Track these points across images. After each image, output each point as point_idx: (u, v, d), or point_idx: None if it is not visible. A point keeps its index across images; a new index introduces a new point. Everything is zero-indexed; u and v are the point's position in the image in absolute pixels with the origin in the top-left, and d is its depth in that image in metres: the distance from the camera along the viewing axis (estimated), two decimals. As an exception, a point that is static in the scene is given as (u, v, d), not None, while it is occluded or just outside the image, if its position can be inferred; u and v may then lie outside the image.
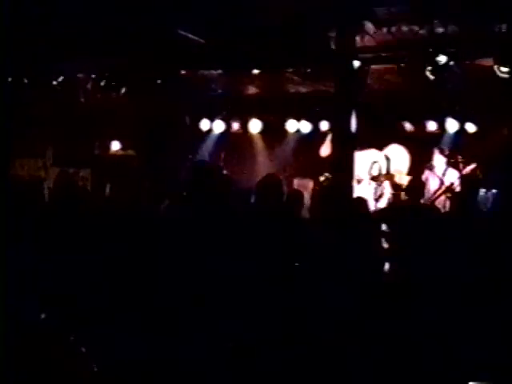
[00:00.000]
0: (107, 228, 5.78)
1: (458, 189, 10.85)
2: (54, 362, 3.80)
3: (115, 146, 13.63)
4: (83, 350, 3.90)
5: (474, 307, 4.21)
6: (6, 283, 4.03)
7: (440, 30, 8.73)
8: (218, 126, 13.37)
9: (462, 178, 10.86)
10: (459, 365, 3.93)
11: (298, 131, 13.08)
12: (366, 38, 9.07)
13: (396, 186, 11.55)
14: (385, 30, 9.00)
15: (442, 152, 11.32)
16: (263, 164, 13.40)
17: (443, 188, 10.90)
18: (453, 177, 11.01)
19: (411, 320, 4.16)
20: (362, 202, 6.91)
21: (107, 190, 12.15)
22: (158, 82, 10.75)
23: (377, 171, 12.10)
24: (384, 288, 4.60)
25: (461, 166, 11.11)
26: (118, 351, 4.23)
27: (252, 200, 6.49)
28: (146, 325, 4.51)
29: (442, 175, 11.11)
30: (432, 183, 11.01)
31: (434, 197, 10.82)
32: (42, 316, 4.33)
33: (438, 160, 11.30)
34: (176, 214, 5.82)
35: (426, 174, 11.25)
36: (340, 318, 4.13)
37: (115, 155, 13.52)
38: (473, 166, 10.97)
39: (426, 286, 4.53)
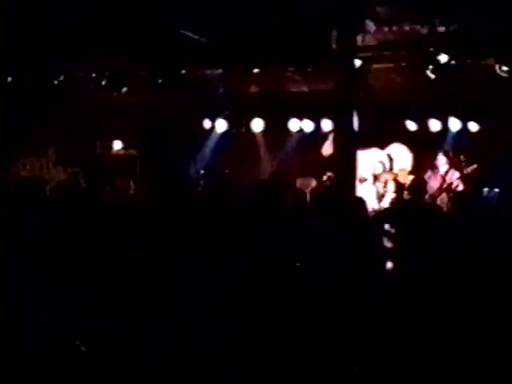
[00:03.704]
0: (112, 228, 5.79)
1: (459, 188, 10.87)
2: (55, 360, 3.81)
3: (117, 145, 13.65)
4: (83, 349, 3.91)
5: (473, 306, 4.21)
6: (6, 283, 4.04)
7: (441, 29, 8.72)
8: (221, 126, 13.37)
9: (464, 177, 10.87)
10: (457, 363, 3.94)
11: (300, 130, 13.07)
12: (368, 36, 9.06)
13: (399, 186, 11.54)
14: (386, 28, 8.99)
15: (446, 154, 11.33)
16: (265, 163, 13.40)
17: (444, 186, 10.91)
18: (454, 176, 11.02)
19: (411, 319, 4.16)
20: (360, 202, 6.86)
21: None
22: (160, 81, 10.73)
23: (380, 170, 12.10)
24: (384, 288, 4.60)
25: (463, 166, 11.11)
26: (118, 349, 4.24)
27: (254, 198, 6.48)
28: (148, 323, 4.52)
29: (445, 174, 11.11)
30: (433, 182, 11.01)
31: (435, 195, 10.83)
32: (43, 316, 4.34)
33: (441, 161, 11.30)
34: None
35: (429, 173, 11.26)
36: (338, 318, 4.13)
37: (117, 155, 13.54)
38: (474, 166, 10.98)
39: (427, 286, 4.53)
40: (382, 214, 8.59)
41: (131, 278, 5.01)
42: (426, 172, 11.32)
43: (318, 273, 4.62)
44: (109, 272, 5.12)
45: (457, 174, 11.01)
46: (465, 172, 10.98)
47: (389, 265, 5.49)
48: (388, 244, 5.91)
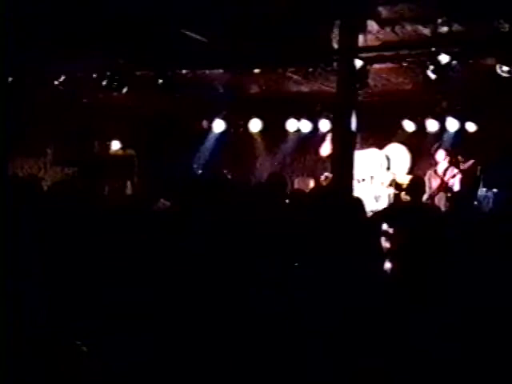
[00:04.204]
0: (107, 227, 5.78)
1: (456, 186, 10.90)
2: (56, 362, 3.81)
3: (115, 145, 13.65)
4: (84, 349, 3.91)
5: (473, 306, 4.22)
6: (6, 283, 4.03)
7: (442, 29, 8.72)
8: (219, 126, 13.38)
9: (461, 173, 10.90)
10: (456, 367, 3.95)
11: (298, 130, 13.09)
12: (368, 37, 9.05)
13: (396, 186, 11.57)
14: (387, 29, 8.99)
15: (447, 152, 11.33)
16: (263, 163, 13.42)
17: (443, 186, 10.93)
18: (452, 173, 11.06)
19: (410, 320, 4.17)
20: (358, 202, 6.84)
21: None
22: (160, 81, 10.74)
23: (378, 171, 12.13)
24: (383, 288, 4.60)
25: (461, 165, 11.14)
26: (119, 351, 4.24)
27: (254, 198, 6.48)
28: (148, 324, 4.52)
29: (443, 174, 11.13)
30: (434, 183, 11.03)
31: (433, 194, 10.85)
32: (43, 317, 4.34)
33: (441, 156, 11.32)
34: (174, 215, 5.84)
35: (428, 173, 11.27)
36: (337, 319, 4.13)
37: (115, 155, 13.55)
38: (471, 161, 11.00)
39: (427, 285, 4.54)
40: (380, 215, 8.60)
41: (130, 278, 5.01)
42: (425, 172, 11.33)
43: (318, 273, 4.62)
44: (108, 271, 5.12)
45: (455, 171, 11.02)
46: (462, 168, 11.00)
47: (387, 265, 5.49)
48: (386, 244, 5.92)
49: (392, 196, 11.54)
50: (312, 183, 11.82)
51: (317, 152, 12.48)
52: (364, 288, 4.38)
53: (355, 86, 9.07)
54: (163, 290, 4.57)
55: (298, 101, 12.38)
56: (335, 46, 9.09)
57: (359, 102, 9.22)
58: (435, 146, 11.53)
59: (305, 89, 11.93)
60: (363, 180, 11.87)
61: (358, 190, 11.08)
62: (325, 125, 12.53)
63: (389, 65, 10.17)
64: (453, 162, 11.14)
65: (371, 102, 10.86)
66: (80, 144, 13.27)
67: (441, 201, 10.76)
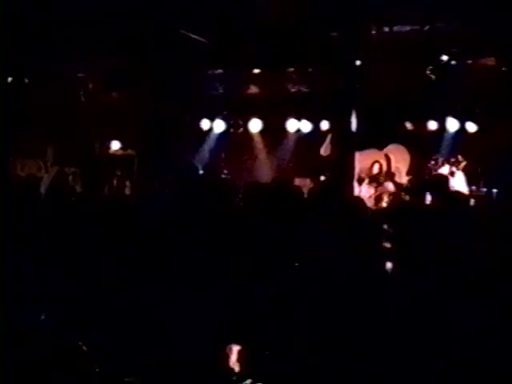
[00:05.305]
0: (104, 226, 5.77)
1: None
2: (55, 362, 3.81)
3: (115, 145, 13.64)
4: (84, 349, 3.90)
5: (473, 306, 4.22)
6: (5, 284, 4.03)
7: (442, 29, 8.74)
8: (219, 126, 13.38)
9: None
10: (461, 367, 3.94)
11: (298, 131, 13.09)
12: (368, 37, 9.07)
13: (396, 185, 11.57)
14: (386, 29, 9.00)
15: (450, 163, 11.33)
16: (263, 164, 13.41)
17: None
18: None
19: (411, 319, 4.17)
20: (358, 201, 6.84)
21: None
22: (159, 81, 10.75)
23: (378, 171, 12.13)
24: (385, 287, 4.60)
25: (456, 165, 11.18)
26: (119, 350, 4.23)
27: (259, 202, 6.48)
28: (146, 323, 4.52)
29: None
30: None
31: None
32: (42, 316, 4.34)
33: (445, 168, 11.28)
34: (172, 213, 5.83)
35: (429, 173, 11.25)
36: (339, 319, 4.13)
37: (115, 155, 13.54)
38: (464, 162, 11.04)
39: (429, 286, 4.54)
40: (379, 214, 8.60)
41: (130, 280, 5.01)
42: (425, 172, 11.32)
43: (319, 274, 4.62)
44: (107, 272, 5.12)
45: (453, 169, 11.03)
46: (456, 170, 11.03)
47: (388, 265, 5.49)
48: (387, 244, 5.91)
49: (392, 196, 11.52)
50: (311, 183, 11.81)
51: (317, 152, 12.47)
52: (364, 288, 4.38)
53: (355, 86, 9.09)
54: (163, 290, 4.57)
55: (298, 101, 12.37)
56: (335, 46, 9.11)
57: (359, 103, 9.24)
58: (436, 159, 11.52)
59: (305, 89, 11.92)
60: (363, 180, 11.87)
61: (358, 190, 11.10)
62: (325, 125, 12.52)
63: (389, 64, 10.17)
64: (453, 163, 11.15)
65: (371, 102, 10.84)
66: (80, 144, 13.26)
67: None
